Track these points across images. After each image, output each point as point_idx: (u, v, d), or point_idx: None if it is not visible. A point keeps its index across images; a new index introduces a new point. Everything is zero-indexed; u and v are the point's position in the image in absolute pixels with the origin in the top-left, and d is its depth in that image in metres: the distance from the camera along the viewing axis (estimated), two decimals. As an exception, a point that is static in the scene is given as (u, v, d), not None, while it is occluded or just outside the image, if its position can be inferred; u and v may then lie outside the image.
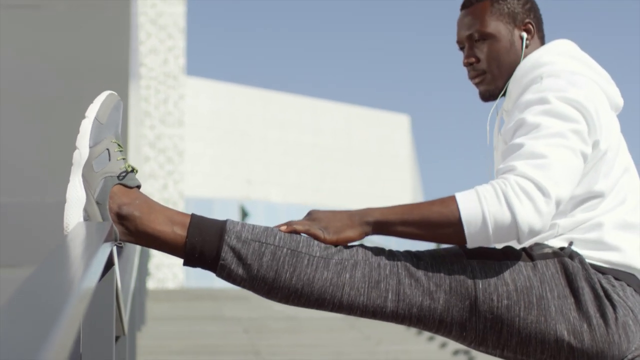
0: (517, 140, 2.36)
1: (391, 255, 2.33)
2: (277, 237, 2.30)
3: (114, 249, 2.23)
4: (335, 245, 2.31)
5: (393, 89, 72.74)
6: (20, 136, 6.89)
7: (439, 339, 9.51)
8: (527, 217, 2.24)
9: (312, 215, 2.34)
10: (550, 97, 2.40)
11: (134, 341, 6.23)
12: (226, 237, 2.28)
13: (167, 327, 10.14)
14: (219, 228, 2.30)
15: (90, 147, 2.27)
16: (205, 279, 29.85)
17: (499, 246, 2.40)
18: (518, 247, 2.39)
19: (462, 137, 74.70)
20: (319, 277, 2.28)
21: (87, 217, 2.25)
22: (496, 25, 2.64)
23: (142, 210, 2.29)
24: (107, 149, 2.28)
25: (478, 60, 2.65)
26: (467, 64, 2.67)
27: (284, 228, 2.31)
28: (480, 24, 2.65)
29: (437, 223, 2.28)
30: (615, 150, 2.48)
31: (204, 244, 2.28)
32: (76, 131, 2.30)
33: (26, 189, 6.68)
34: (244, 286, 2.32)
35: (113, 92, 2.35)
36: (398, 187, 42.16)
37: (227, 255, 2.28)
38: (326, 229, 2.31)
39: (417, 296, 2.29)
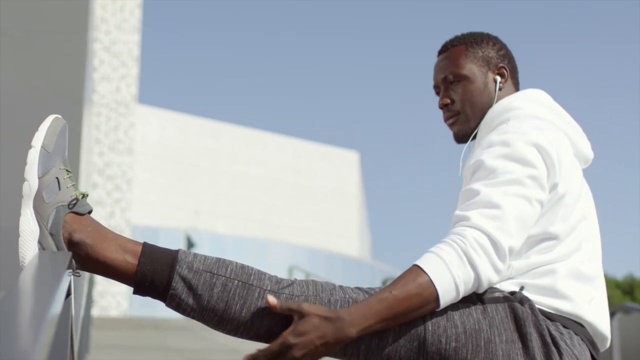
0: (474, 186, 2.40)
1: (341, 291, 2.33)
2: (229, 269, 2.30)
3: (72, 278, 2.22)
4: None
5: (343, 126, 72.94)
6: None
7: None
8: (487, 273, 2.28)
9: (291, 348, 2.24)
10: (511, 140, 2.43)
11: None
12: (177, 267, 2.28)
13: (111, 356, 10.07)
14: (171, 258, 2.29)
15: (39, 178, 2.24)
16: (149, 307, 29.61)
17: None
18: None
19: (411, 176, 74.96)
20: (269, 311, 2.27)
21: (42, 249, 2.23)
22: (470, 68, 2.71)
23: (93, 238, 2.28)
24: (57, 178, 2.26)
25: (452, 101, 2.71)
26: (442, 106, 2.74)
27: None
28: (455, 66, 2.72)
29: (417, 307, 2.26)
30: (576, 196, 2.51)
31: (154, 273, 2.27)
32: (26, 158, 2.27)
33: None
34: (193, 316, 2.30)
35: (58, 115, 2.32)
36: (345, 224, 42.18)
37: (178, 285, 2.27)
38: (314, 357, 2.27)
39: (366, 335, 2.29)
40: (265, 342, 2.32)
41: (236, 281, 2.29)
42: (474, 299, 2.36)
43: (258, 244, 33.96)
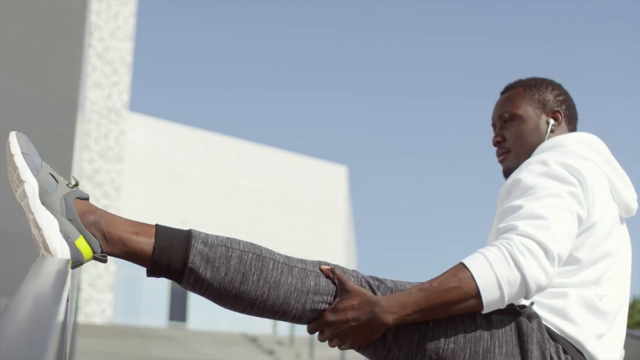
0: (516, 202, 2.43)
1: (354, 272, 2.39)
2: (241, 244, 2.35)
3: (70, 283, 2.22)
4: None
5: (333, 140, 73.04)
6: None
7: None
8: (535, 274, 2.28)
9: (328, 326, 2.34)
10: (549, 161, 2.51)
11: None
12: (193, 242, 2.31)
13: (95, 363, 10.05)
14: (186, 234, 2.33)
15: (35, 177, 2.27)
16: (133, 316, 29.56)
17: None
18: None
19: (400, 191, 75.03)
20: (285, 281, 2.31)
21: (67, 236, 2.25)
22: (525, 109, 2.81)
23: (106, 219, 2.31)
24: (50, 174, 2.30)
25: (504, 139, 2.83)
26: (495, 143, 2.85)
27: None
28: (511, 106, 2.83)
29: (455, 301, 2.28)
30: (607, 231, 2.54)
31: (171, 249, 2.29)
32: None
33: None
34: (209, 293, 2.33)
35: (17, 131, 2.35)
36: (332, 238, 42.19)
37: (196, 259, 2.30)
38: (344, 343, 2.34)
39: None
40: (279, 318, 2.37)
41: (250, 254, 2.34)
42: None
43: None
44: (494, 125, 2.90)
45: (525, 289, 2.29)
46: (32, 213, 2.26)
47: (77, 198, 2.32)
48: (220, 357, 12.15)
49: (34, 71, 7.35)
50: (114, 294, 28.46)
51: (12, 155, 2.27)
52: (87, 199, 2.35)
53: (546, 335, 2.37)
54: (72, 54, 7.64)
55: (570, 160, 2.51)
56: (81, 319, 24.24)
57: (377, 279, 2.39)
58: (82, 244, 2.27)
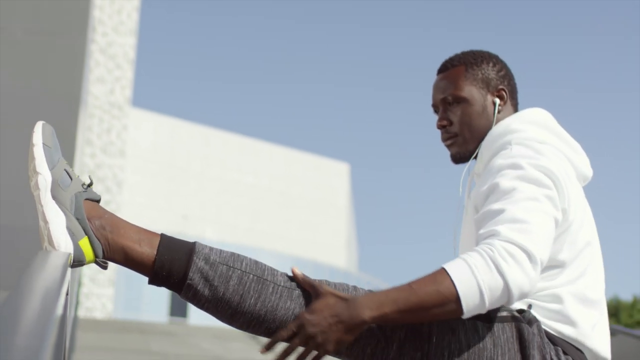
0: (495, 206, 2.38)
1: (355, 292, 2.35)
2: (244, 263, 2.32)
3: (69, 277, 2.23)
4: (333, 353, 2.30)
5: (335, 137, 72.96)
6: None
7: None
8: (517, 280, 2.23)
9: (305, 326, 2.27)
10: (522, 163, 2.43)
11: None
12: (195, 258, 2.30)
13: (95, 358, 10.05)
14: (188, 249, 2.31)
15: (50, 170, 2.28)
16: (134, 311, 29.55)
17: None
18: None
19: (401, 189, 75.00)
20: (282, 306, 2.30)
21: (72, 234, 2.26)
22: (469, 90, 2.70)
23: (112, 225, 2.30)
24: (65, 170, 2.31)
25: (450, 123, 2.71)
26: (440, 127, 2.73)
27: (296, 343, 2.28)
28: (454, 87, 2.71)
29: (434, 304, 2.22)
30: (580, 222, 2.52)
31: (172, 263, 2.29)
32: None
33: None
34: (207, 308, 2.32)
35: (45, 122, 2.35)
36: (333, 235, 42.15)
37: (195, 276, 2.29)
38: (323, 344, 2.26)
39: (374, 337, 2.31)
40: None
41: (251, 275, 2.31)
42: (482, 316, 2.36)
43: (245, 250, 33.78)
44: (435, 106, 2.78)
45: (507, 295, 2.24)
46: (42, 205, 2.27)
47: (88, 199, 2.32)
48: (220, 353, 12.15)
49: (36, 66, 7.36)
50: (115, 289, 28.45)
51: (33, 145, 2.28)
52: (98, 201, 2.35)
53: (546, 340, 2.37)
54: (75, 48, 7.65)
55: (542, 160, 2.45)
56: (82, 313, 24.25)
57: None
58: (85, 245, 2.27)
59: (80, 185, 2.32)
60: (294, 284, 2.34)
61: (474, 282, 2.22)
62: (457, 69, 2.74)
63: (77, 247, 2.26)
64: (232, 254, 2.35)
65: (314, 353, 2.29)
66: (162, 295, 30.85)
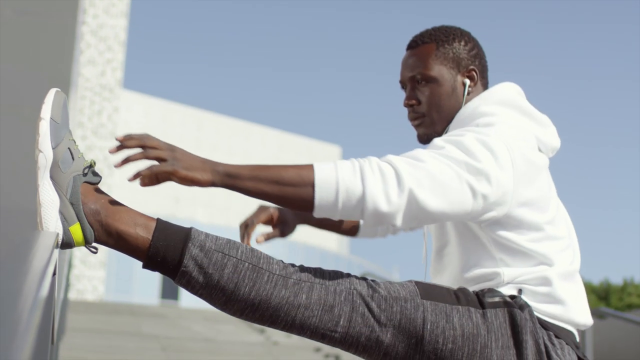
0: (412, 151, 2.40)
1: (348, 281, 2.35)
2: (239, 251, 2.31)
3: (57, 257, 2.22)
4: (188, 184, 2.29)
5: (327, 120, 72.93)
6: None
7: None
8: (376, 195, 2.27)
9: (170, 147, 2.30)
10: (467, 134, 2.42)
11: (57, 351, 6.19)
12: (190, 245, 2.28)
13: (85, 340, 10.05)
14: (184, 235, 2.29)
15: (53, 149, 2.24)
16: (125, 293, 29.55)
17: (453, 289, 2.42)
18: (471, 291, 2.42)
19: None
20: (277, 295, 2.28)
21: (64, 219, 2.23)
22: (439, 69, 2.65)
23: (107, 209, 2.27)
24: (69, 148, 2.26)
25: (419, 102, 2.67)
26: (408, 105, 2.69)
27: (133, 143, 2.30)
28: (423, 66, 2.66)
29: (289, 182, 2.28)
30: (547, 197, 2.50)
31: (167, 249, 2.27)
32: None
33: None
34: (201, 295, 2.31)
35: (58, 89, 2.32)
36: (324, 217, 42.10)
37: (189, 263, 2.27)
38: (177, 163, 2.27)
39: (368, 326, 2.31)
40: (269, 325, 2.35)
41: (247, 263, 2.30)
42: (475, 302, 2.37)
43: (237, 233, 33.95)
44: (402, 83, 2.74)
45: (362, 207, 2.28)
46: (39, 185, 2.24)
47: (87, 182, 2.29)
48: (211, 335, 12.16)
49: (26, 47, 7.33)
50: (106, 271, 28.45)
51: (40, 119, 2.24)
52: (97, 183, 2.32)
53: (538, 325, 2.38)
54: (66, 30, 7.62)
55: (489, 137, 2.40)
56: (73, 295, 24.24)
57: (371, 287, 2.36)
58: (76, 231, 2.25)
59: (81, 166, 2.29)
60: (290, 271, 2.33)
61: (333, 178, 2.27)
62: (427, 46, 2.69)
63: (66, 233, 2.24)
64: (228, 240, 2.33)
65: (156, 166, 2.29)
66: (154, 277, 30.86)
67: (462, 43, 2.69)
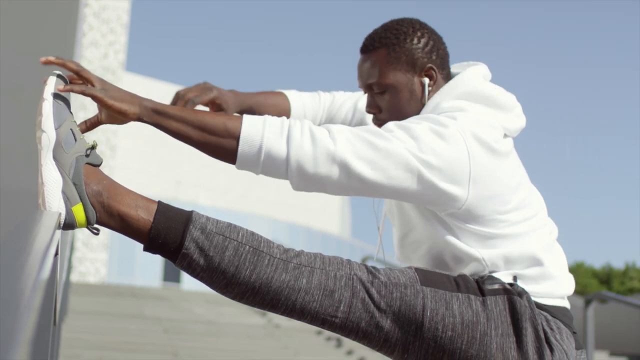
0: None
1: (349, 267, 2.34)
2: (240, 234, 2.30)
3: (60, 237, 2.21)
4: (115, 114, 2.32)
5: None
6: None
7: (357, 354, 9.59)
8: (301, 157, 2.30)
9: (102, 80, 2.32)
10: (423, 122, 2.38)
11: (60, 332, 6.21)
12: (191, 227, 2.27)
13: (87, 322, 10.08)
14: (185, 217, 2.29)
15: (55, 129, 2.23)
16: (127, 275, 29.61)
17: (453, 275, 2.41)
18: (470, 277, 2.41)
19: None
20: (277, 279, 2.28)
21: (67, 199, 2.23)
22: (394, 76, 2.57)
23: (109, 191, 2.27)
24: (71, 129, 2.25)
25: (380, 110, 2.61)
26: (369, 113, 2.65)
27: (72, 65, 2.30)
28: (378, 75, 2.58)
29: (215, 130, 2.30)
30: (519, 178, 2.48)
31: (168, 231, 2.26)
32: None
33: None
34: (201, 278, 2.30)
35: (60, 72, 2.31)
36: (326, 202, 42.19)
37: (191, 245, 2.26)
38: (106, 92, 2.30)
39: (368, 312, 2.31)
40: (269, 310, 2.35)
41: (247, 246, 2.29)
42: (475, 289, 2.37)
43: (238, 217, 33.96)
44: (361, 88, 2.66)
45: (285, 167, 2.31)
46: (42, 165, 2.23)
47: (89, 163, 2.28)
48: (212, 318, 12.20)
49: (28, 29, 7.31)
50: (109, 254, 28.51)
51: (43, 99, 2.24)
52: (99, 165, 2.32)
53: (536, 310, 2.39)
54: (68, 12, 7.61)
55: (448, 127, 2.37)
56: (75, 277, 24.31)
57: (371, 273, 2.35)
58: (79, 211, 2.24)
59: (83, 147, 2.27)
60: (290, 255, 2.32)
61: (259, 134, 2.30)
62: (378, 52, 2.60)
63: (69, 213, 2.23)
64: (229, 224, 2.33)
65: (86, 89, 2.29)
66: (155, 260, 30.92)
67: (415, 41, 2.59)
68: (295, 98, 2.84)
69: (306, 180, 2.33)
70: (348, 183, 2.34)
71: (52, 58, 2.27)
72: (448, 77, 2.62)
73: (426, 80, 2.57)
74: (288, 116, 2.78)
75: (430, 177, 2.33)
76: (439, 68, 2.60)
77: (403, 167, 2.33)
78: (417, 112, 2.56)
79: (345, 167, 2.31)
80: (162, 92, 35.07)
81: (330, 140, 2.30)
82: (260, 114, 2.81)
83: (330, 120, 2.94)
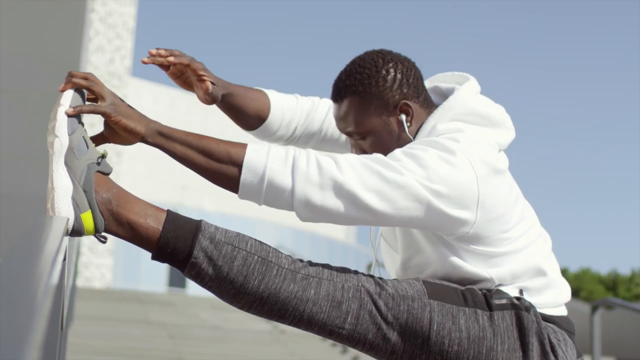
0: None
1: (356, 278, 2.33)
2: (249, 244, 2.30)
3: (67, 243, 2.21)
4: (121, 131, 2.31)
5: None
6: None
7: (363, 358, 9.58)
8: (307, 188, 2.27)
9: (114, 95, 2.34)
10: (429, 150, 2.35)
11: (66, 337, 6.21)
12: (200, 236, 2.27)
13: (93, 327, 10.09)
14: (194, 227, 2.29)
15: (69, 135, 2.24)
16: (133, 281, 29.60)
17: (461, 288, 2.40)
18: (478, 291, 2.39)
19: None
20: (285, 289, 2.28)
21: (76, 205, 2.23)
22: (370, 122, 2.52)
23: (119, 199, 2.27)
24: (83, 137, 2.26)
25: (365, 152, 2.56)
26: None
27: (82, 78, 2.32)
28: (354, 125, 2.54)
29: (218, 157, 2.29)
30: (515, 196, 2.48)
31: (177, 240, 2.27)
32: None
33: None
34: (210, 287, 2.30)
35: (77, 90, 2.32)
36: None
37: (199, 254, 2.26)
38: (114, 108, 2.31)
39: (375, 324, 2.31)
40: (277, 320, 2.35)
41: (256, 256, 2.29)
42: (483, 303, 2.36)
43: (244, 221, 33.95)
44: (342, 133, 2.63)
45: (289, 200, 2.28)
46: (53, 170, 2.24)
47: (99, 172, 2.29)
48: (218, 323, 12.20)
49: (35, 34, 7.33)
50: (114, 259, 28.50)
51: (59, 105, 2.25)
52: (109, 173, 2.32)
53: (543, 324, 2.38)
54: (74, 17, 7.62)
55: (455, 154, 2.33)
56: (81, 283, 24.31)
57: (379, 284, 2.34)
58: (87, 218, 2.24)
59: (95, 155, 2.29)
60: (298, 265, 2.32)
61: (262, 164, 2.28)
62: (349, 101, 2.53)
63: (77, 219, 2.23)
64: (238, 234, 2.33)
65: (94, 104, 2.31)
66: (161, 266, 30.93)
67: (381, 82, 2.52)
68: (275, 97, 2.82)
69: (314, 212, 2.29)
70: (356, 214, 2.31)
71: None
72: (426, 100, 2.57)
73: (403, 117, 2.51)
74: (267, 113, 2.76)
75: (439, 205, 2.31)
76: (413, 98, 2.53)
77: (412, 198, 2.30)
78: (405, 142, 2.51)
79: (353, 199, 2.28)
80: (168, 98, 35.10)
81: (337, 171, 2.28)
82: (240, 104, 2.76)
83: (308, 124, 2.88)
